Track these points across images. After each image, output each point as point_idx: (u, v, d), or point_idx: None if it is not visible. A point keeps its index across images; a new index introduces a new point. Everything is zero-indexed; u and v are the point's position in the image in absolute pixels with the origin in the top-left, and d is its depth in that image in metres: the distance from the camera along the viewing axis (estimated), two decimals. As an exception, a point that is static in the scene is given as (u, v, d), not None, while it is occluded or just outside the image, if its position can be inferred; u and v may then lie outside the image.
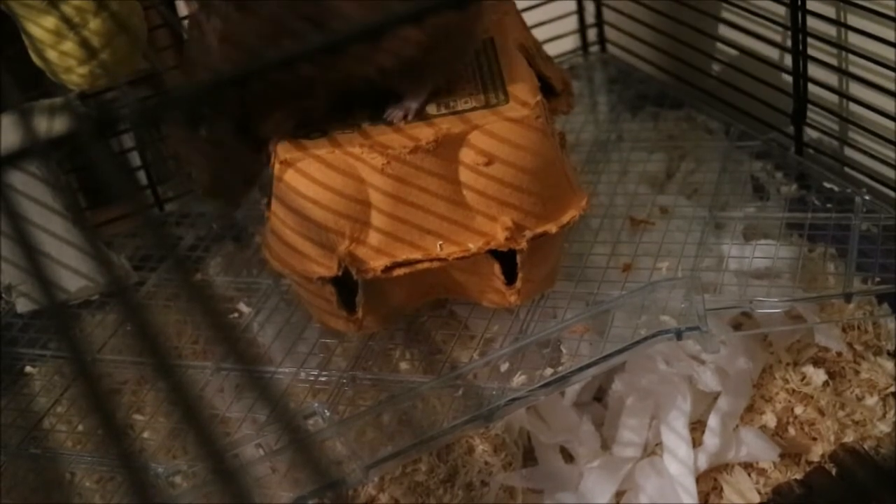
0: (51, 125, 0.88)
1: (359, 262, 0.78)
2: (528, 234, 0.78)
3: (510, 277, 0.80)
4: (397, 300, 0.83)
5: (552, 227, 0.79)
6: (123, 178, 0.45)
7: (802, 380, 0.83)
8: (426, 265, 0.78)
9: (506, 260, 0.79)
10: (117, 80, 0.93)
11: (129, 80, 0.99)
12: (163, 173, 1.12)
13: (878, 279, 0.84)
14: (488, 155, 0.77)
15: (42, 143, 0.45)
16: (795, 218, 0.92)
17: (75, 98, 0.95)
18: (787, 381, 0.84)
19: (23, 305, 0.95)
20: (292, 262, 0.79)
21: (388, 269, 0.78)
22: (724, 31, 1.04)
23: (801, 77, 0.94)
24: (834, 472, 0.78)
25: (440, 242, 0.78)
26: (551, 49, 1.04)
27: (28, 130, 0.45)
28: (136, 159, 1.07)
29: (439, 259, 0.78)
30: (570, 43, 1.22)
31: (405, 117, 0.79)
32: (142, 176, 1.07)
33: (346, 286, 0.80)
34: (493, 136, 0.78)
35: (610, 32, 1.21)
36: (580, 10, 1.21)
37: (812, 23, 0.92)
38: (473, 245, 0.78)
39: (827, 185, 0.93)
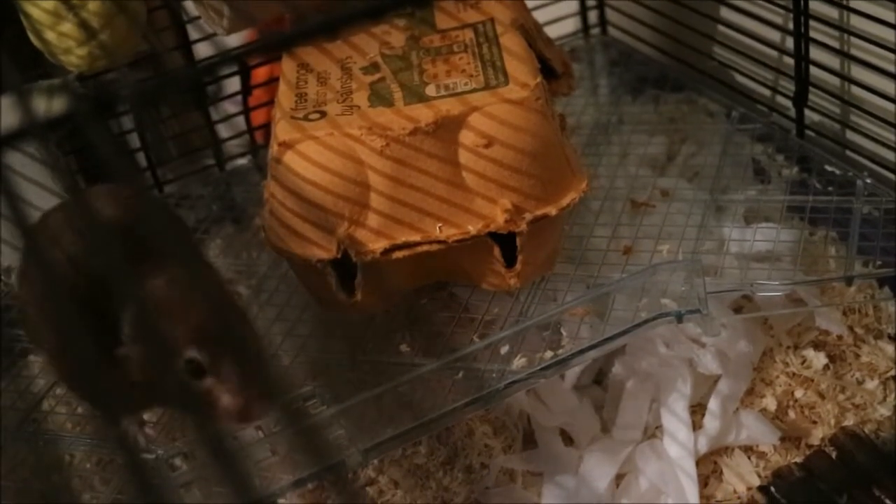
0: (49, 106, 0.88)
1: (358, 244, 0.78)
2: (528, 216, 0.78)
3: (510, 260, 0.80)
4: (397, 283, 0.82)
5: (552, 210, 0.79)
6: (122, 160, 0.45)
7: (803, 363, 0.83)
8: (425, 248, 0.78)
9: (506, 243, 0.79)
10: (116, 61, 0.93)
11: (129, 62, 0.98)
12: (162, 155, 1.11)
13: (879, 262, 0.84)
14: (488, 137, 0.77)
15: (40, 123, 0.45)
16: (796, 201, 0.91)
17: (74, 79, 0.94)
18: (787, 365, 0.83)
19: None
20: (291, 245, 0.79)
21: (387, 251, 0.78)
22: (725, 13, 1.04)
23: (802, 59, 0.94)
24: (834, 455, 0.78)
25: (439, 225, 0.78)
26: (552, 31, 1.03)
27: (26, 111, 0.45)
28: (135, 141, 1.06)
29: (438, 241, 0.78)
30: (571, 25, 1.21)
31: None
32: (141, 158, 1.07)
33: (345, 268, 0.79)
34: (493, 117, 0.77)
35: (611, 15, 1.21)
36: (581, -7, 1.20)
37: (814, 5, 0.91)
38: (473, 227, 0.78)
39: (828, 168, 0.93)
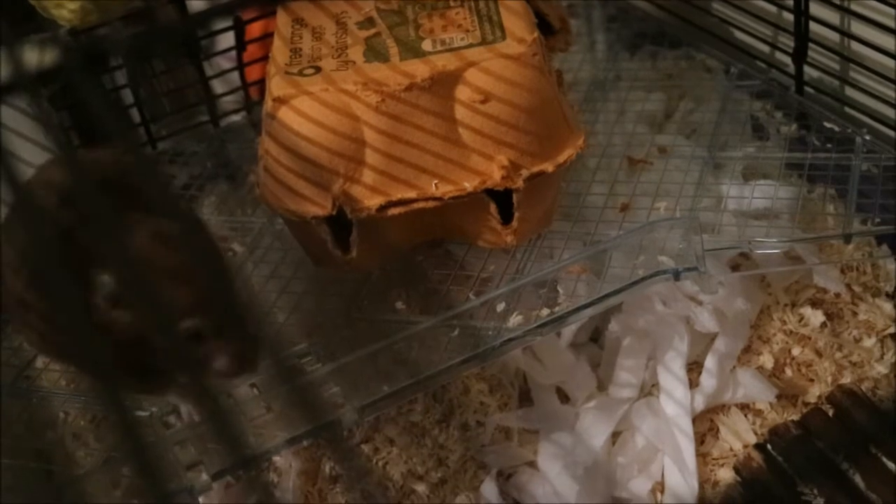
0: (41, 60, 0.87)
1: (353, 201, 0.77)
2: (525, 173, 0.77)
3: (506, 217, 0.79)
4: (392, 240, 0.82)
5: (549, 167, 0.78)
6: (114, 113, 0.44)
7: (800, 321, 0.83)
8: (421, 204, 0.78)
9: (502, 199, 0.78)
10: (109, 15, 0.92)
11: (121, 16, 0.97)
12: (156, 111, 1.10)
13: (877, 220, 0.83)
14: (484, 92, 0.76)
15: (29, 76, 0.44)
16: (795, 158, 0.91)
17: (66, 33, 0.93)
18: (784, 323, 0.83)
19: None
20: (286, 201, 0.79)
21: (382, 208, 0.77)
22: (724, -32, 1.03)
23: (802, 15, 0.93)
24: (831, 413, 0.78)
25: (435, 181, 0.78)
26: (549, -14, 1.02)
27: (16, 64, 0.44)
28: (129, 97, 1.06)
29: (434, 198, 0.78)
30: (569, -20, 1.20)
31: None
32: (135, 114, 1.06)
33: (340, 226, 0.79)
34: (490, 73, 0.76)
35: (609, -30, 1.20)
36: (579, -53, 1.19)
37: (814, -40, 0.90)
38: (469, 184, 0.77)
39: (827, 124, 0.92)
